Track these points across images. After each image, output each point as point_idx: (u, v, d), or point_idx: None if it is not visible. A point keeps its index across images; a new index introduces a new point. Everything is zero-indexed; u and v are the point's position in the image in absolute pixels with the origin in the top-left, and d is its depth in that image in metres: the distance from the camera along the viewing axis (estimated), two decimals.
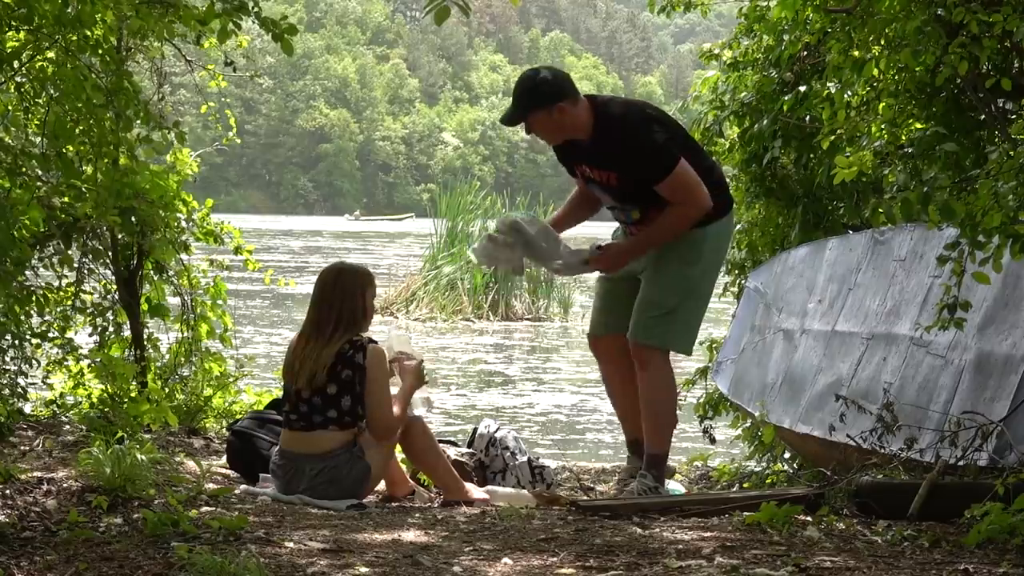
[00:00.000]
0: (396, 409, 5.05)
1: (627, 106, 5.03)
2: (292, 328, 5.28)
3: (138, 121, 5.45)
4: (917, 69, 5.01)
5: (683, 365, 13.49)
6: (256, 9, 4.74)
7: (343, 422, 4.95)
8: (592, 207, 5.27)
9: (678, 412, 7.13)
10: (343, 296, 5.00)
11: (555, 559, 3.69)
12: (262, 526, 4.09)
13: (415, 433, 5.15)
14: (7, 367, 5.20)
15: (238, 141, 7.62)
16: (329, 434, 4.93)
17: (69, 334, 6.44)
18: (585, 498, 5.17)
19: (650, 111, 5.00)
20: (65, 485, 4.43)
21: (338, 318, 4.97)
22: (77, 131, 5.07)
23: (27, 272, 5.34)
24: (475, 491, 5.21)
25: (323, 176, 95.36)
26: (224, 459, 5.73)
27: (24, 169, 4.95)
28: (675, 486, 5.73)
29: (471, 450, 5.74)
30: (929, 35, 4.75)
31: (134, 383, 6.44)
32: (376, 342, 5.05)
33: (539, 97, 4.85)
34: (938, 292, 4.58)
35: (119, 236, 6.46)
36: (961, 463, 4.34)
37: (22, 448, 5.31)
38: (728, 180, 7.16)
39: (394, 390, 5.12)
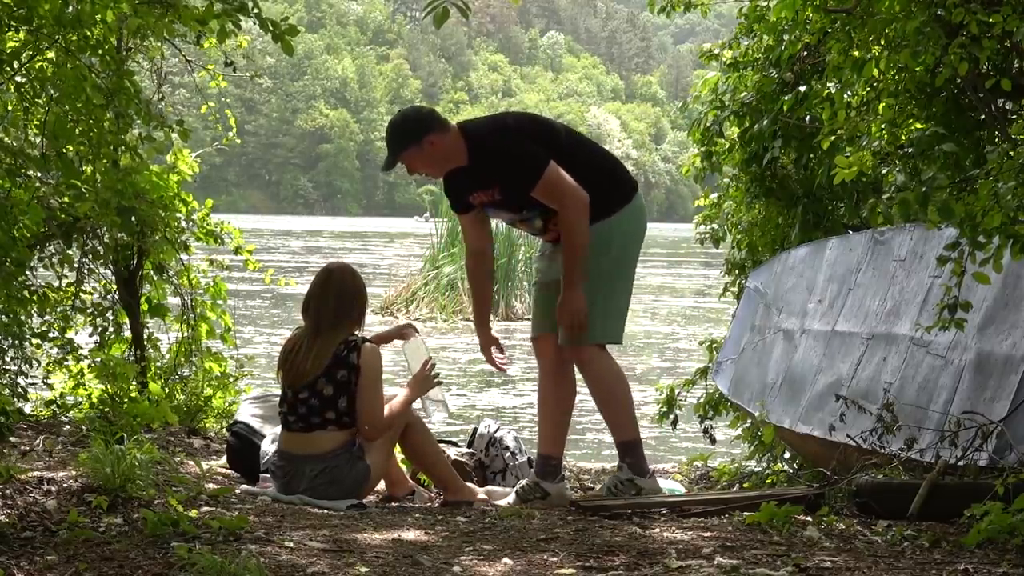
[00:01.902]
0: (392, 407, 5.05)
1: (493, 123, 5.12)
2: (292, 328, 5.28)
3: (138, 121, 5.45)
4: (917, 69, 5.01)
5: (683, 365, 13.54)
6: (256, 10, 4.74)
7: (342, 422, 4.95)
8: (487, 270, 5.32)
9: (679, 412, 7.19)
10: (351, 295, 5.02)
11: (555, 559, 3.69)
12: (262, 526, 4.09)
13: (415, 433, 5.15)
14: (7, 367, 5.20)
15: (238, 141, 7.62)
16: (328, 434, 4.94)
17: (69, 334, 6.44)
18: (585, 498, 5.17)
19: (513, 122, 5.08)
20: (65, 485, 4.42)
21: (346, 318, 4.99)
22: (77, 131, 5.06)
23: (27, 272, 5.33)
24: (475, 491, 5.20)
25: (323, 176, 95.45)
26: (224, 459, 5.73)
27: (24, 169, 4.95)
28: (675, 486, 5.73)
29: (471, 450, 5.74)
30: (929, 35, 4.74)
31: (134, 383, 6.44)
32: (368, 340, 5.05)
33: (407, 135, 4.98)
34: (938, 292, 4.58)
35: (119, 236, 6.46)
36: (961, 463, 4.34)
37: (22, 448, 5.31)
38: (728, 179, 7.19)
39: (389, 390, 5.13)
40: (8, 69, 4.81)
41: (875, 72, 5.23)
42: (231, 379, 7.09)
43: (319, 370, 4.92)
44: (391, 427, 5.05)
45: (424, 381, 5.23)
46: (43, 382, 6.54)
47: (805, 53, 6.35)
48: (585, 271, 4.88)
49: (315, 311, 5.03)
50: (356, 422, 4.98)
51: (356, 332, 5.05)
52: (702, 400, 7.08)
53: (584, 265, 4.85)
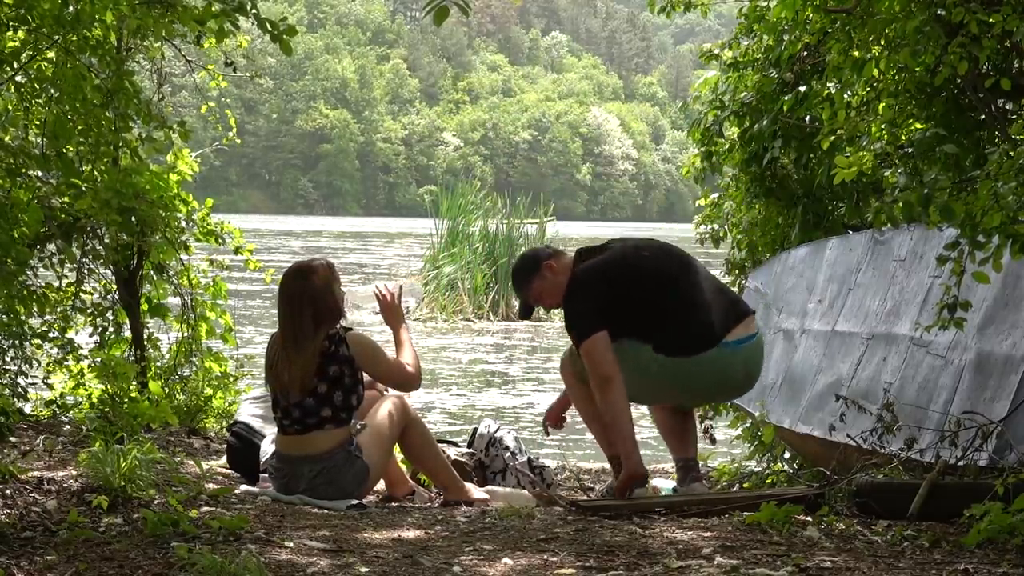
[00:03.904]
0: (408, 358, 5.08)
1: (585, 266, 5.02)
2: None
3: (139, 121, 5.45)
4: (917, 69, 5.01)
5: None
6: (254, 11, 4.73)
7: (338, 419, 4.94)
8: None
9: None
10: (314, 296, 4.96)
11: (555, 559, 3.69)
12: (262, 526, 4.09)
13: (415, 433, 5.15)
14: (7, 367, 5.20)
15: (238, 141, 7.62)
16: (325, 434, 4.93)
17: (69, 334, 6.44)
18: (585, 498, 5.17)
19: (600, 269, 4.95)
20: (65, 485, 4.43)
21: (316, 318, 4.95)
22: (77, 131, 5.06)
23: (27, 272, 5.33)
24: (475, 491, 5.20)
25: (323, 176, 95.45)
26: (224, 459, 5.74)
27: (24, 169, 4.95)
28: (673, 485, 5.72)
29: (471, 450, 5.74)
30: (929, 35, 4.74)
31: (134, 383, 6.44)
32: (351, 329, 5.05)
33: (526, 269, 5.14)
34: (938, 292, 4.58)
35: (119, 236, 6.46)
36: (961, 463, 4.34)
37: (22, 448, 5.31)
38: (728, 179, 7.18)
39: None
40: (8, 69, 4.81)
41: (875, 72, 5.23)
42: (231, 379, 7.09)
43: (306, 377, 4.90)
44: (419, 372, 5.09)
45: (395, 309, 5.26)
46: (43, 382, 6.54)
47: (805, 53, 6.35)
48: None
49: (293, 316, 4.99)
50: (352, 417, 4.98)
51: (338, 325, 5.01)
52: None
53: (627, 438, 4.81)
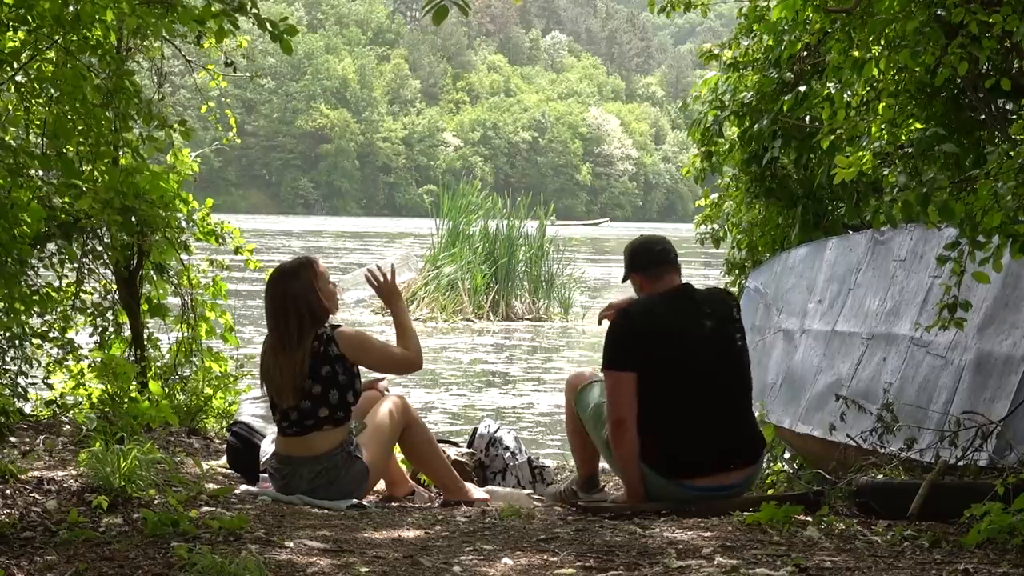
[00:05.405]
0: (408, 340, 5.04)
1: (652, 297, 4.86)
2: None
3: (139, 120, 5.45)
4: (917, 69, 5.01)
5: None
6: (255, 10, 4.74)
7: (336, 418, 4.93)
8: None
9: None
10: (296, 299, 4.93)
11: (555, 559, 3.69)
12: (262, 526, 4.09)
13: (415, 434, 5.15)
14: (7, 367, 5.20)
15: (238, 141, 7.62)
16: (324, 434, 4.92)
17: (69, 334, 6.44)
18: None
19: (651, 311, 4.78)
20: (65, 485, 4.43)
21: (300, 322, 4.93)
22: (77, 131, 5.07)
23: (28, 272, 5.33)
24: (475, 491, 5.20)
25: (323, 176, 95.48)
26: (224, 459, 5.73)
27: (24, 169, 4.95)
28: None
29: (471, 450, 5.74)
30: (929, 35, 4.75)
31: (134, 383, 6.44)
32: (339, 326, 5.03)
33: (636, 261, 4.94)
34: (938, 292, 4.58)
35: (119, 236, 6.46)
36: (961, 463, 4.34)
37: (22, 448, 5.31)
38: (728, 179, 7.18)
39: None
40: (8, 69, 4.81)
41: (875, 72, 5.24)
42: (231, 379, 7.09)
43: (298, 381, 4.90)
44: (418, 353, 5.04)
45: (392, 289, 5.20)
46: (43, 382, 6.54)
47: (805, 53, 6.36)
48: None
49: (278, 321, 4.97)
50: (350, 415, 4.98)
51: (326, 324, 4.98)
52: None
53: (632, 472, 4.73)
